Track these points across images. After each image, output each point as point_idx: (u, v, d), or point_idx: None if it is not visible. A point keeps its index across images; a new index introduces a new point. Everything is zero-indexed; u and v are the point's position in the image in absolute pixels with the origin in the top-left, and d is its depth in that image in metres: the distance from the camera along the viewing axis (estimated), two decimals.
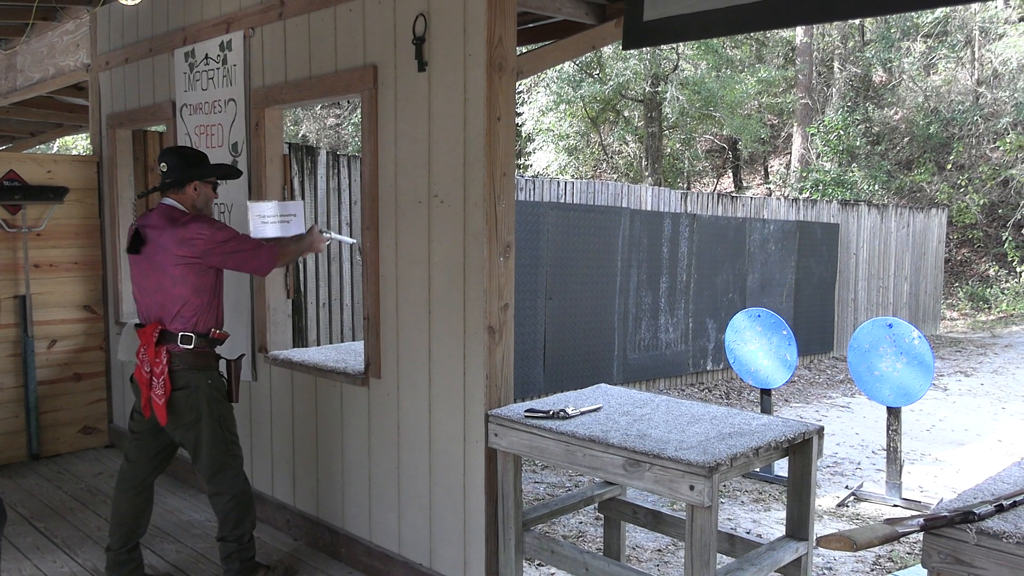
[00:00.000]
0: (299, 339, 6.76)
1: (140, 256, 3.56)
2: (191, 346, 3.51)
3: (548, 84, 18.67)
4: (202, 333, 3.55)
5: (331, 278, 7.17)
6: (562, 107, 19.08)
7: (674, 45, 17.60)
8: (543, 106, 19.11)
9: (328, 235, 3.92)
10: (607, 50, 17.79)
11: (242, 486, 3.67)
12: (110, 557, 3.72)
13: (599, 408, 3.33)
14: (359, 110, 4.12)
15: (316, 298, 7.05)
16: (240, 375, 3.75)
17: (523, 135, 19.71)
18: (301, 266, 6.94)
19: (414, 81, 3.55)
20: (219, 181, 3.88)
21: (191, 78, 4.89)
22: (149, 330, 3.52)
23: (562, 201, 8.57)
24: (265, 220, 4.18)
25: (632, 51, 16.98)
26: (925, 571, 2.15)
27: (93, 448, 6.02)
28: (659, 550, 4.89)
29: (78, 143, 21.05)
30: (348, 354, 4.40)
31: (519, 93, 19.10)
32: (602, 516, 3.94)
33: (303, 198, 6.88)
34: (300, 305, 6.89)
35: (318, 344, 6.95)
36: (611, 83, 18.18)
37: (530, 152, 20.27)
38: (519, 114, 18.99)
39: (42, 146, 12.76)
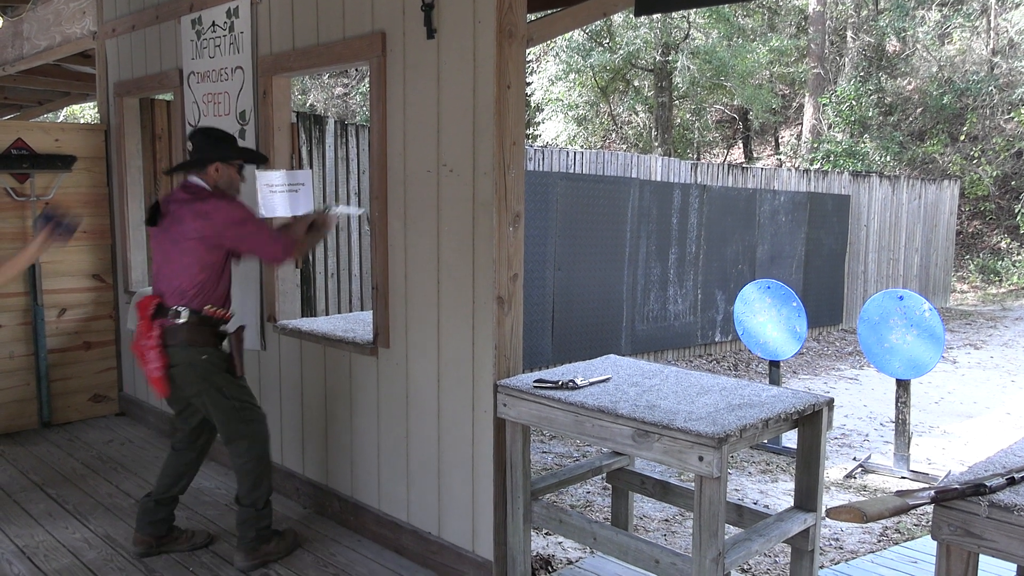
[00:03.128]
0: (308, 309, 6.77)
1: (157, 229, 3.57)
2: (183, 321, 3.49)
3: (557, 53, 18.51)
4: (196, 310, 3.52)
5: (339, 248, 7.17)
6: (571, 76, 18.92)
7: (685, 13, 17.40)
8: (552, 75, 18.96)
9: (335, 210, 3.90)
10: (617, 18, 17.60)
11: (259, 451, 3.66)
12: (145, 502, 3.82)
13: (608, 379, 3.33)
14: (367, 79, 4.08)
15: (325, 268, 7.05)
16: (242, 347, 3.69)
17: (532, 105, 19.57)
18: None
19: (423, 48, 3.50)
20: (244, 165, 3.81)
21: (198, 46, 4.85)
22: (145, 303, 3.53)
23: (571, 171, 8.51)
24: (273, 189, 4.16)
25: (643, 19, 16.79)
26: (934, 543, 2.15)
27: (103, 416, 6.06)
28: (666, 520, 4.91)
29: (85, 112, 21.00)
30: (357, 324, 4.40)
31: (528, 62, 18.94)
32: (610, 486, 3.95)
33: (311, 167, 6.85)
34: (309, 275, 6.89)
35: (327, 314, 6.96)
36: (621, 52, 18.00)
37: (539, 122, 20.14)
38: (528, 83, 18.84)
39: (49, 115, 12.73)
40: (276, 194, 4.14)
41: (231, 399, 3.61)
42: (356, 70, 20.04)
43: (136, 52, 5.61)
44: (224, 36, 4.63)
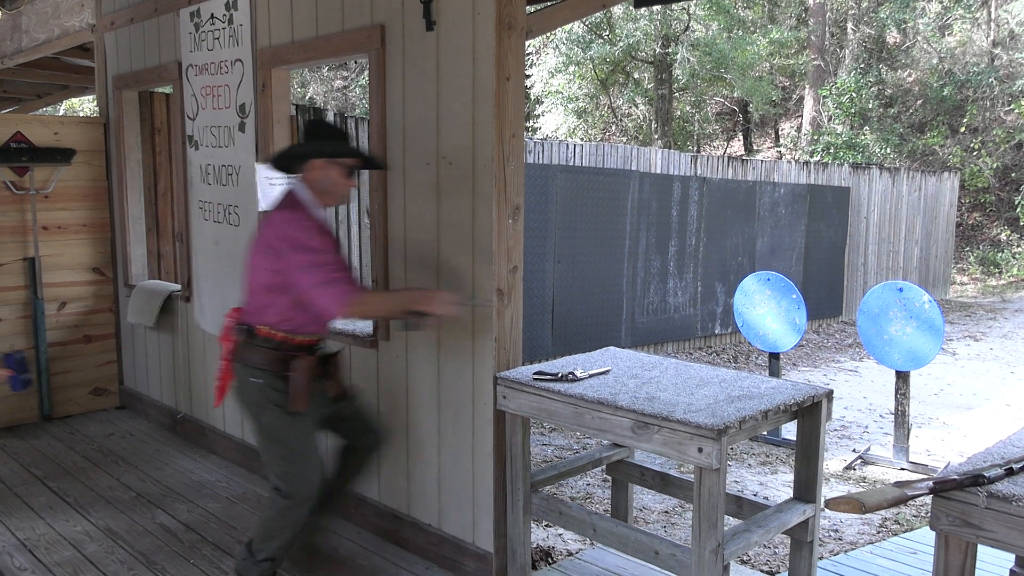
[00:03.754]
0: None
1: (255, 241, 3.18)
2: (247, 340, 3.09)
3: (557, 45, 18.46)
4: (255, 327, 3.09)
5: (339, 241, 7.16)
6: (571, 69, 18.88)
7: (685, 5, 17.36)
8: (552, 67, 18.92)
9: (475, 303, 3.25)
10: (617, 10, 17.55)
11: (290, 510, 3.12)
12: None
13: (608, 371, 3.33)
14: (367, 72, 4.07)
15: None
16: (309, 381, 3.10)
17: (532, 97, 19.54)
18: None
19: (422, 41, 3.50)
20: (356, 169, 3.23)
21: (197, 38, 4.84)
22: (232, 314, 3.22)
23: (571, 164, 8.51)
24: (273, 182, 4.17)
25: (643, 11, 16.76)
26: (933, 534, 2.16)
27: (104, 409, 6.07)
28: (666, 512, 4.93)
29: (84, 105, 20.97)
30: None
31: (528, 54, 18.91)
32: (610, 478, 3.96)
33: None
34: None
35: None
36: (621, 44, 17.96)
37: (539, 115, 20.11)
38: (528, 76, 18.81)
39: (48, 108, 12.71)
40: (276, 187, 4.15)
41: (277, 444, 3.11)
42: (355, 63, 20.00)
43: (135, 45, 5.61)
44: (223, 29, 4.62)
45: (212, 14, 4.69)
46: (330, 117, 7.00)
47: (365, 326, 4.03)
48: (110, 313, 6.07)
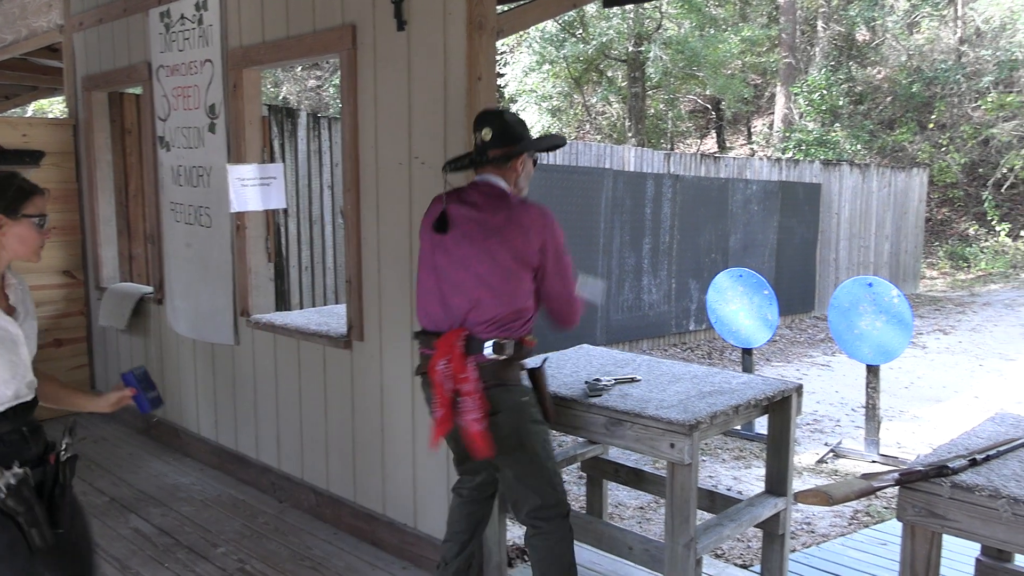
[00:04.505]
0: (281, 303, 6.75)
1: (448, 239, 2.77)
2: (503, 356, 2.69)
3: (531, 44, 18.50)
4: (517, 341, 2.74)
5: (313, 241, 7.15)
6: (545, 67, 18.91)
7: (657, 3, 17.45)
8: (526, 66, 18.95)
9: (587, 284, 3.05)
10: (590, 9, 17.61)
11: (565, 533, 2.83)
12: (443, 571, 3.06)
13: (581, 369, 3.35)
14: (340, 71, 4.06)
15: (298, 261, 7.03)
16: (547, 385, 2.91)
17: (506, 96, 19.55)
18: (283, 229, 6.90)
19: (393, 41, 3.50)
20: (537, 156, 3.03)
21: (167, 39, 4.81)
22: (452, 337, 2.69)
23: (545, 162, 8.53)
24: (245, 183, 4.15)
25: (614, 9, 16.82)
26: (901, 525, 2.20)
27: (76, 414, 6.00)
28: (641, 507, 4.96)
29: (54, 107, 20.71)
30: (331, 317, 4.40)
31: (501, 53, 18.93)
32: (585, 475, 3.99)
33: (283, 161, 6.82)
34: (282, 269, 6.87)
35: (300, 307, 6.94)
36: (594, 43, 18.03)
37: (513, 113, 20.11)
38: (502, 75, 18.82)
39: (16, 110, 12.55)
40: (248, 187, 4.14)
41: (550, 460, 2.82)
42: (328, 62, 19.90)
43: (104, 46, 5.56)
44: (193, 29, 4.59)
45: (182, 14, 4.66)
46: (303, 117, 6.98)
47: (340, 327, 4.03)
48: (81, 316, 6.01)
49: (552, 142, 3.10)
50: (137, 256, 6.29)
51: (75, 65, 5.92)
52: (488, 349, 2.67)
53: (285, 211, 6.85)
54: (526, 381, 2.83)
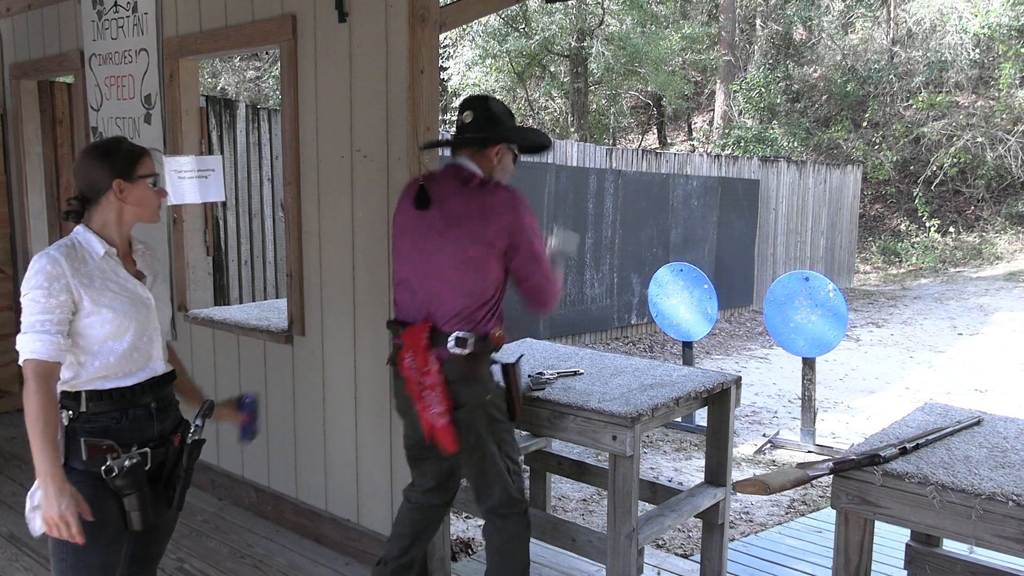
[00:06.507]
0: (220, 297, 6.63)
1: (422, 223, 2.67)
2: (466, 350, 2.61)
3: (474, 38, 18.45)
4: (482, 335, 2.65)
5: (252, 235, 7.03)
6: (488, 61, 18.89)
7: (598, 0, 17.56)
8: (469, 60, 18.90)
9: (559, 235, 3.00)
10: (532, 4, 17.63)
11: (522, 531, 2.79)
12: (381, 570, 2.97)
13: (521, 356, 3.36)
14: (279, 62, 4.01)
15: (237, 255, 6.91)
16: (520, 382, 2.84)
17: (449, 90, 19.48)
18: (222, 223, 6.78)
19: (335, 32, 3.46)
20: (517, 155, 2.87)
21: (100, 26, 4.68)
22: (416, 332, 2.62)
23: None
24: (182, 175, 4.07)
25: (557, 5, 16.86)
26: (835, 512, 2.26)
27: (7, 412, 5.82)
28: (584, 500, 5.00)
29: None
30: (271, 311, 4.34)
31: (445, 47, 18.84)
32: (528, 468, 4.00)
33: (221, 153, 6.69)
34: (221, 263, 6.74)
35: (240, 302, 6.83)
36: (537, 38, 18.06)
37: (456, 108, 20.07)
38: (445, 68, 18.75)
39: None
40: (185, 180, 4.05)
41: (508, 459, 2.74)
42: (268, 53, 19.59)
43: (33, 32, 5.38)
44: (127, 17, 4.48)
45: (115, 2, 4.54)
46: (242, 109, 6.85)
47: (280, 321, 3.97)
48: (11, 312, 5.82)
49: (535, 139, 2.93)
50: None
51: (2, 52, 5.72)
52: (451, 343, 2.60)
53: (224, 204, 6.73)
54: (499, 376, 2.75)
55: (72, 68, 4.99)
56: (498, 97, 20.20)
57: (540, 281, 2.71)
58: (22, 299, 2.09)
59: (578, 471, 3.73)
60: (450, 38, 18.98)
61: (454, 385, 2.60)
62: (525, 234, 2.61)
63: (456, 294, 2.61)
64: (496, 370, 2.75)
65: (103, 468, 2.10)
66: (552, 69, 20.36)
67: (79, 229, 2.21)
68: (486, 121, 2.73)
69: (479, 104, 2.77)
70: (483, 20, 17.28)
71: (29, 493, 2.12)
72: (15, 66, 5.57)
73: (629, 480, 2.73)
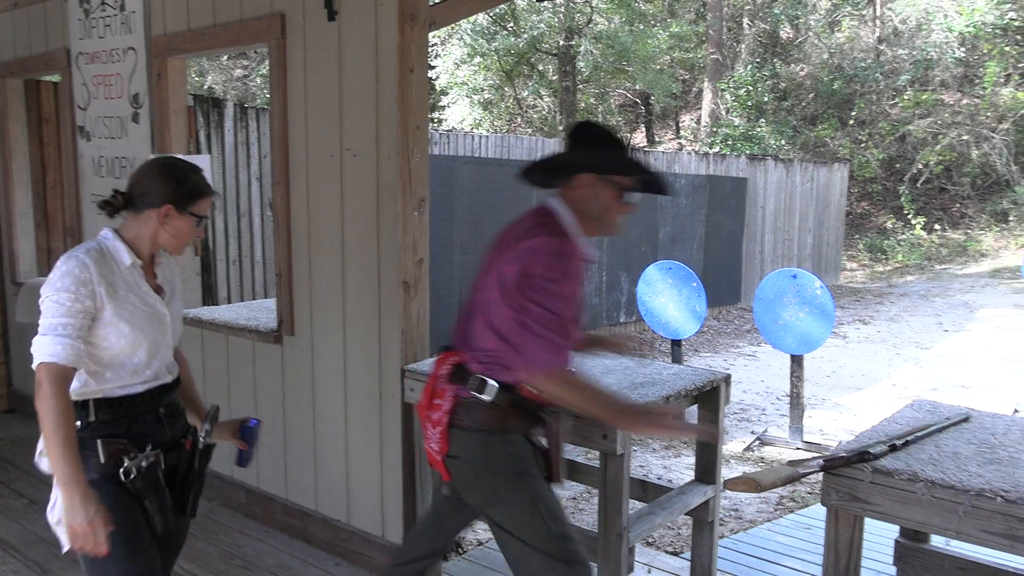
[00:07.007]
0: (209, 297, 6.60)
1: (488, 251, 2.42)
2: (482, 396, 2.30)
3: (462, 36, 18.45)
4: (507, 385, 2.30)
5: (241, 234, 7.01)
6: (476, 60, 18.89)
7: None
8: (458, 59, 18.89)
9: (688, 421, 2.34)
10: (521, 2, 17.65)
11: None
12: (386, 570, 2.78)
13: None
14: (268, 61, 3.99)
15: (226, 255, 6.88)
16: (562, 442, 2.46)
17: (438, 89, 19.46)
18: (209, 222, 6.74)
19: (324, 31, 3.46)
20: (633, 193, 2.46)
21: (87, 25, 4.65)
22: (441, 361, 2.42)
23: (477, 156, 8.53)
24: None
25: (545, 3, 16.88)
26: (824, 509, 2.27)
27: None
28: (574, 498, 5.01)
29: None
30: (260, 311, 4.32)
31: (433, 46, 18.82)
32: None
33: (209, 152, 6.67)
34: (209, 262, 6.72)
35: (229, 302, 6.80)
36: (525, 36, 18.08)
37: (444, 106, 20.05)
38: (433, 67, 18.72)
39: None
40: None
41: (549, 520, 2.30)
42: (256, 51, 19.52)
43: (19, 31, 5.35)
44: (115, 16, 4.45)
45: (103, 0, 4.51)
46: (230, 108, 6.83)
47: (269, 321, 3.96)
48: None
49: (637, 171, 2.42)
50: (56, 250, 6.07)
51: None
52: (471, 384, 2.31)
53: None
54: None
55: (59, 67, 4.96)
56: (495, 98, 20.26)
57: (524, 332, 2.21)
58: (44, 300, 2.04)
59: (568, 470, 3.73)
60: (439, 36, 18.96)
61: (451, 429, 2.34)
62: (523, 280, 2.21)
63: (487, 333, 2.31)
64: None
65: (122, 470, 2.08)
66: (540, 67, 20.38)
67: (108, 234, 2.19)
68: (573, 145, 2.39)
69: (575, 127, 2.44)
70: (471, 19, 17.27)
71: (49, 507, 2.08)
72: (1, 65, 5.52)
73: (619, 478, 2.73)
